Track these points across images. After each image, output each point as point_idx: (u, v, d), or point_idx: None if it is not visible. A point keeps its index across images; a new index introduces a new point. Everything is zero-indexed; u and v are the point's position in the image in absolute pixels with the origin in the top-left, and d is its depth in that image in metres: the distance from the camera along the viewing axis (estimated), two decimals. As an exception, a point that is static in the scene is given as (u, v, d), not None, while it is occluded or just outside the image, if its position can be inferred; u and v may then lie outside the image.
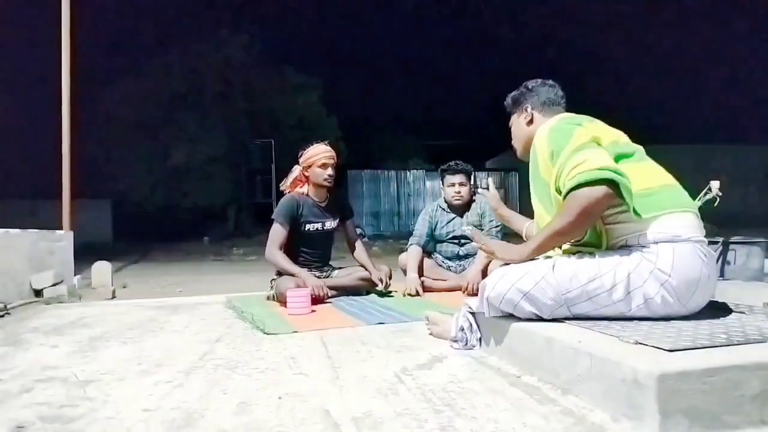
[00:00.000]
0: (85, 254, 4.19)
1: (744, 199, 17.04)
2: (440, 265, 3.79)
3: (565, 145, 1.65)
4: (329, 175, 3.35)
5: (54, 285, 3.74)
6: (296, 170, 3.45)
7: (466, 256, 3.74)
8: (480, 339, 1.90)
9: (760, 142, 20.20)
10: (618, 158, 1.67)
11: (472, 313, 1.91)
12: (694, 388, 1.15)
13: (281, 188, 3.52)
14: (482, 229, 3.67)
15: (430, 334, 2.14)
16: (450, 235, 3.77)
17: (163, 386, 1.57)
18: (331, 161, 3.35)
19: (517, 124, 2.03)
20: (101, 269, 4.41)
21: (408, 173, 19.81)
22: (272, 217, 3.35)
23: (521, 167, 19.52)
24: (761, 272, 3.80)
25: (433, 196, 19.02)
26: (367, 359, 1.85)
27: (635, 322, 1.57)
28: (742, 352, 1.27)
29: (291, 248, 3.33)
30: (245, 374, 1.69)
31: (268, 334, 2.27)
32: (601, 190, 1.54)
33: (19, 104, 16.11)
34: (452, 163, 3.82)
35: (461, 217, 3.77)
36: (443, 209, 3.83)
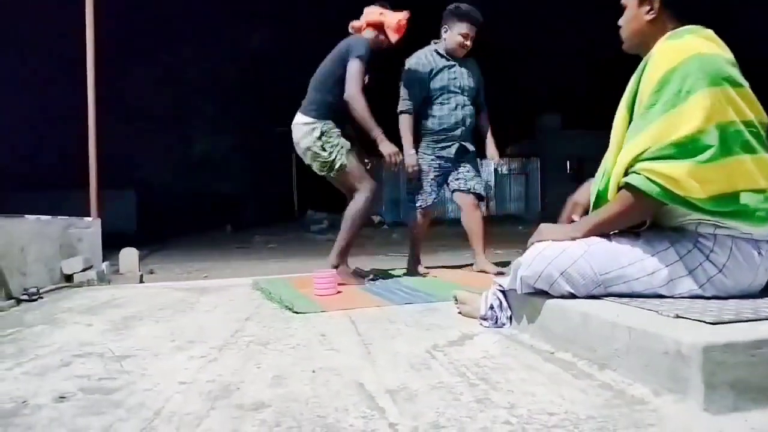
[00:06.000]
0: (110, 243, 4.27)
1: None
2: (430, 167, 3.20)
3: (678, 102, 1.42)
4: (396, 41, 3.03)
5: (84, 270, 3.81)
6: (375, 12, 3.08)
7: (469, 135, 3.19)
8: (510, 317, 1.88)
9: None
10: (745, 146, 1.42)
11: (503, 291, 1.89)
12: (741, 360, 1.12)
13: (351, 26, 3.13)
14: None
15: (459, 312, 2.12)
16: (449, 87, 3.12)
17: (198, 361, 1.59)
18: (399, 34, 3.02)
19: (637, 13, 1.66)
20: (129, 255, 4.48)
21: (428, 160, 19.58)
22: (357, 55, 2.92)
23: (543, 153, 19.32)
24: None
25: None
26: (396, 336, 1.84)
27: (673, 298, 1.53)
28: (789, 325, 1.23)
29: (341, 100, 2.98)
30: (277, 350, 1.70)
31: (297, 313, 2.29)
32: (646, 203, 1.47)
33: (45, 96, 16.40)
34: (471, 8, 3.13)
35: (461, 67, 3.17)
36: (440, 55, 3.17)
